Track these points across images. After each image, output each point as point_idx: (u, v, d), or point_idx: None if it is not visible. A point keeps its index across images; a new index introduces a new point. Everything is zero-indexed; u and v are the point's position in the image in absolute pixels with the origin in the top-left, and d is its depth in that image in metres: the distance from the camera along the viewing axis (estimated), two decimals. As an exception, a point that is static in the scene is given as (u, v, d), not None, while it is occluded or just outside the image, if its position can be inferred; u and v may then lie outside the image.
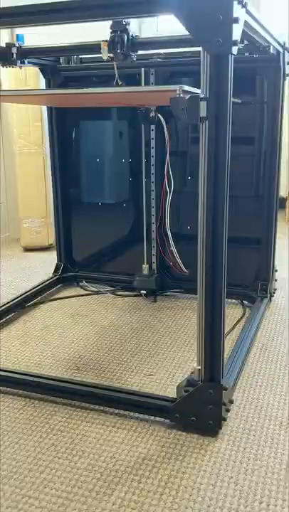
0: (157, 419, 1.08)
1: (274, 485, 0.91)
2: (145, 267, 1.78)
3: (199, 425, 1.02)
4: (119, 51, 1.36)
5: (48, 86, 1.75)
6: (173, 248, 1.75)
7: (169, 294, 1.81)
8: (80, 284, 1.91)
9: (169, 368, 1.31)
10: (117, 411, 1.11)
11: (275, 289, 1.76)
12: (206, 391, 1.00)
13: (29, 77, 2.31)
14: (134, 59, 1.41)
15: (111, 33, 1.36)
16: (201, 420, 1.02)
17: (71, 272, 1.93)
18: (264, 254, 1.70)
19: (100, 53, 1.37)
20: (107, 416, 1.10)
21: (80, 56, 1.77)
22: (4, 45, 1.47)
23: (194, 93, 0.91)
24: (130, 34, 1.37)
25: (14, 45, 1.47)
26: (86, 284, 1.90)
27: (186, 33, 0.87)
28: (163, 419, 1.07)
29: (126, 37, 1.35)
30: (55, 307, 1.74)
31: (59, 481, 0.90)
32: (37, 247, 2.46)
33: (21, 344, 1.46)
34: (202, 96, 0.87)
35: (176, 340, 1.47)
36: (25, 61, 1.52)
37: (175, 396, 1.07)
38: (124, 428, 1.06)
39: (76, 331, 1.54)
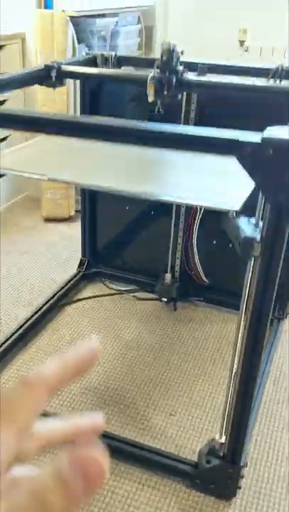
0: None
1: None
2: (168, 276, 1.84)
3: (217, 492, 1.16)
4: (165, 93, 1.30)
5: (83, 87, 1.68)
6: (197, 261, 1.80)
7: (189, 301, 1.88)
8: (103, 280, 1.97)
9: (188, 405, 1.43)
10: (142, 461, 1.24)
11: (291, 309, 1.83)
12: (227, 469, 1.12)
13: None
14: (180, 97, 1.35)
15: (159, 72, 1.30)
16: (219, 489, 1.15)
17: (95, 268, 1.98)
18: (284, 271, 1.75)
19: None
20: (133, 469, 1.23)
21: (118, 55, 1.67)
22: (43, 67, 1.40)
23: (249, 221, 0.91)
24: (179, 73, 1.30)
25: (54, 67, 1.40)
26: (108, 283, 1.96)
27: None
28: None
29: (174, 78, 1.29)
30: (81, 311, 1.82)
31: None
32: (58, 217, 2.48)
33: (51, 361, 1.56)
34: (258, 240, 0.87)
35: (194, 366, 1.57)
36: (64, 81, 1.45)
37: (195, 459, 1.19)
38: (148, 485, 1.19)
39: (101, 348, 1.63)
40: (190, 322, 1.79)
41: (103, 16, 2.59)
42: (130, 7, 2.80)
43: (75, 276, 1.96)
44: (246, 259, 0.89)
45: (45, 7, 2.29)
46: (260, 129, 1.44)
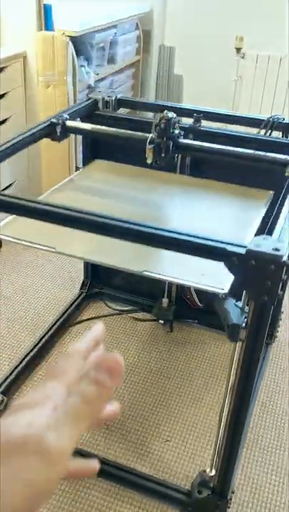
0: (173, 500, 1.38)
1: None
2: (165, 301, 1.97)
3: (206, 518, 1.33)
4: (163, 155, 1.41)
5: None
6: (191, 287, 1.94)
7: (184, 322, 2.02)
8: (104, 300, 2.11)
9: (182, 431, 1.59)
10: (141, 486, 1.41)
11: (277, 332, 1.98)
12: (216, 501, 1.28)
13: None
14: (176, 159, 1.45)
15: (157, 137, 1.39)
16: (209, 516, 1.32)
17: (96, 288, 2.11)
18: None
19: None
20: (134, 494, 1.39)
21: (118, 97, 1.75)
22: (49, 123, 1.49)
23: (236, 305, 1.04)
24: (176, 137, 1.40)
25: (59, 124, 1.49)
26: (109, 303, 2.09)
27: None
28: (178, 501, 1.37)
29: (171, 143, 1.39)
30: (83, 333, 1.96)
31: None
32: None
33: (58, 387, 1.71)
34: (243, 326, 1.00)
35: (188, 391, 1.73)
36: (68, 134, 1.54)
37: (187, 485, 1.36)
38: (147, 510, 1.36)
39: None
40: (185, 344, 1.93)
41: (102, 29, 2.63)
42: (129, 16, 2.83)
43: (78, 297, 2.09)
44: (233, 341, 1.03)
45: (46, 27, 2.34)
46: (253, 181, 1.53)
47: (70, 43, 2.30)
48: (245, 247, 0.91)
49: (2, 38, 2.39)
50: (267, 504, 1.40)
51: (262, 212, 1.43)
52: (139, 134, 1.44)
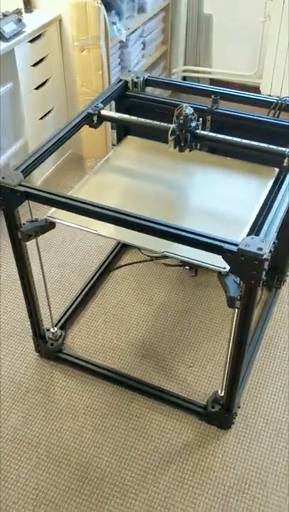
0: (193, 412, 1.82)
1: (259, 472, 1.68)
2: (190, 249, 2.31)
3: (218, 425, 1.76)
4: (183, 145, 1.68)
5: (117, 109, 2.01)
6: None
7: (207, 266, 2.37)
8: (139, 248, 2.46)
9: (202, 359, 2.00)
10: (169, 401, 1.85)
11: (287, 276, 2.30)
12: (224, 414, 1.71)
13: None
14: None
15: (177, 130, 1.66)
16: (220, 424, 1.75)
17: (132, 237, 2.46)
18: (283, 247, 2.18)
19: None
20: (165, 406, 1.84)
21: (146, 77, 1.98)
22: (87, 114, 1.76)
23: (234, 281, 1.38)
24: (193, 129, 1.66)
25: (95, 114, 1.77)
26: (142, 250, 2.45)
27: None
28: (197, 413, 1.82)
29: (190, 135, 1.65)
30: (122, 277, 2.35)
31: (141, 460, 1.70)
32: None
33: (104, 323, 2.14)
34: (238, 298, 1.34)
35: (208, 327, 2.12)
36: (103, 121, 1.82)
37: (204, 401, 1.79)
38: (174, 417, 1.81)
39: (139, 311, 2.18)
40: (207, 286, 2.30)
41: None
42: None
43: (116, 245, 2.46)
44: (232, 308, 1.38)
45: (78, -8, 2.48)
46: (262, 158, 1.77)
47: (102, 7, 2.46)
48: (236, 245, 1.23)
49: (37, 2, 2.56)
50: (266, 417, 1.82)
51: (267, 188, 1.71)
52: (163, 124, 1.71)
